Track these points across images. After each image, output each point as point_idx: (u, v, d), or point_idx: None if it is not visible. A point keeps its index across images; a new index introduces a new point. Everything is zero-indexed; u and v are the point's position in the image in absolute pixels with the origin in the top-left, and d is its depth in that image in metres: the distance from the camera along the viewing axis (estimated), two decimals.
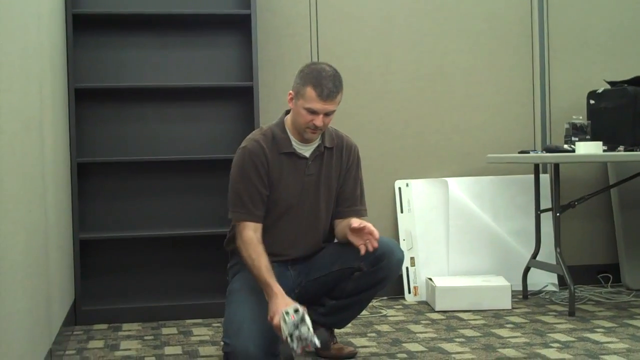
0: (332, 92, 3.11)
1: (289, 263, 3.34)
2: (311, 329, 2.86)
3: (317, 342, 2.85)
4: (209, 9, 4.48)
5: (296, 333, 2.84)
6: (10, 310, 2.28)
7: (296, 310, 2.87)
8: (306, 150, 3.29)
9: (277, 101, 4.52)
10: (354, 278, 3.26)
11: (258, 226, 3.21)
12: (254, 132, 3.40)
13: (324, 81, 3.10)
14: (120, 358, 3.46)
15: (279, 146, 3.25)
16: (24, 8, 2.75)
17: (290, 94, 3.22)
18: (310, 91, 3.10)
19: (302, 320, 2.85)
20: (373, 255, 3.19)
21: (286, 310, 2.87)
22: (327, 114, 3.15)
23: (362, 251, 3.09)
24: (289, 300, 3.00)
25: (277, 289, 3.03)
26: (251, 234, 3.18)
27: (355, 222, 3.11)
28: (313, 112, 3.12)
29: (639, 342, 3.52)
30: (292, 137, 3.27)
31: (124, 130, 4.49)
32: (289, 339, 2.85)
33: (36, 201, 2.90)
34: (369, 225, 3.08)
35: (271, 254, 3.22)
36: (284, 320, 2.86)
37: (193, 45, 4.54)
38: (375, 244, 3.08)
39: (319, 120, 3.13)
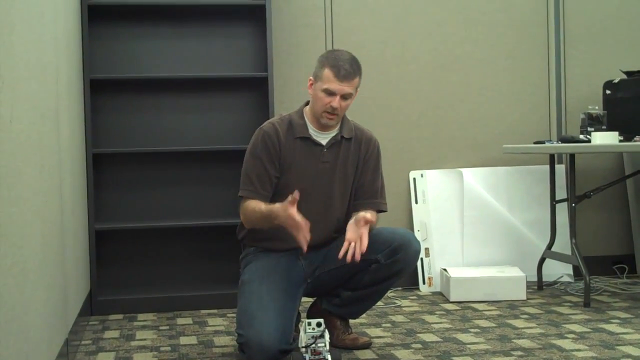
0: (349, 72, 3.16)
1: (299, 252, 3.34)
2: (327, 346, 2.91)
3: (329, 359, 2.88)
4: None
5: (312, 346, 2.88)
6: (28, 300, 2.30)
7: (319, 324, 2.92)
8: (323, 138, 3.31)
9: (292, 92, 4.52)
10: (371, 270, 3.27)
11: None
12: (274, 117, 3.47)
13: (340, 62, 3.17)
14: (135, 348, 3.47)
15: (294, 131, 3.29)
16: None
17: (310, 80, 3.28)
18: (327, 72, 3.17)
19: (322, 335, 2.91)
20: (390, 247, 3.22)
21: (309, 321, 2.91)
22: (344, 97, 3.18)
23: (340, 255, 3.05)
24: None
25: (275, 205, 3.08)
26: (251, 201, 3.23)
27: (361, 220, 3.07)
28: (330, 92, 3.17)
29: None
30: (309, 125, 3.31)
31: (139, 121, 4.50)
32: (303, 349, 2.90)
33: (53, 191, 2.91)
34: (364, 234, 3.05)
35: (281, 239, 3.26)
36: (304, 331, 2.90)
37: (208, 36, 4.54)
38: (357, 257, 3.04)
39: (335, 102, 3.17)
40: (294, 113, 3.36)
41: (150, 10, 4.46)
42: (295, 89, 4.54)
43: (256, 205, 3.19)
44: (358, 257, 3.01)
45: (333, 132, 3.32)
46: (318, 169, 3.30)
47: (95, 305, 4.21)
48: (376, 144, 3.42)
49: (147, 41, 4.50)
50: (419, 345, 3.38)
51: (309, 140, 3.30)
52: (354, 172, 3.36)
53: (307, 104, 3.36)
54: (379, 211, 3.40)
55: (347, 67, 3.16)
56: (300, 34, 4.68)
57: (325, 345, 2.92)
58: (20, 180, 2.23)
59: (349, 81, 3.17)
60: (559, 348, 3.28)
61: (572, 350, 3.23)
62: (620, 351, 3.21)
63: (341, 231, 3.39)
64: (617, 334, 3.51)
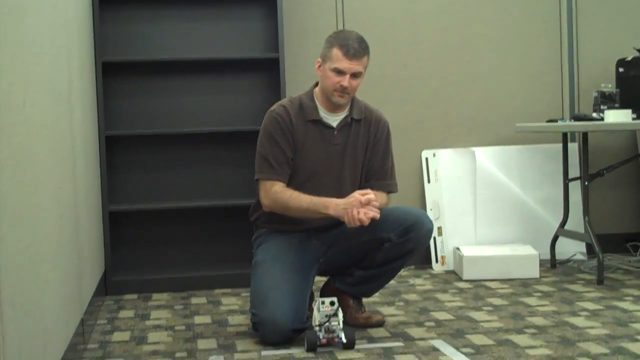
0: (357, 51, 3.18)
1: (311, 233, 3.36)
2: (341, 324, 2.93)
3: (343, 338, 2.92)
4: None
5: (326, 324, 2.89)
6: (44, 281, 2.32)
7: (332, 303, 2.94)
8: (333, 120, 3.31)
9: (303, 73, 4.51)
10: (383, 249, 3.27)
11: (284, 186, 3.25)
12: (283, 99, 3.48)
13: (349, 41, 3.19)
14: (150, 327, 3.50)
15: (305, 114, 3.30)
16: None
17: (318, 61, 3.30)
18: (336, 51, 3.19)
19: (335, 314, 2.93)
20: (402, 226, 3.23)
21: (322, 300, 2.93)
22: (354, 76, 3.20)
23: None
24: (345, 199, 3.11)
25: (332, 199, 3.14)
26: (280, 187, 3.24)
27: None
28: (340, 71, 3.18)
29: None
30: (320, 107, 3.31)
31: (151, 102, 4.51)
32: (317, 328, 2.91)
33: (67, 173, 2.93)
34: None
35: (292, 222, 3.28)
36: (318, 309, 2.91)
37: (219, 18, 4.54)
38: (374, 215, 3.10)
39: (345, 81, 3.18)
40: (303, 95, 3.37)
41: None
42: (306, 70, 4.52)
43: (299, 196, 3.19)
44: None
45: (343, 114, 3.32)
46: (329, 151, 3.31)
47: (110, 286, 4.24)
48: (386, 125, 3.43)
49: (159, 23, 4.50)
50: (432, 324, 3.40)
51: (319, 122, 3.30)
52: (364, 153, 3.36)
53: (316, 85, 3.36)
54: (389, 192, 3.41)
55: (355, 46, 3.18)
56: (311, 14, 4.67)
57: (338, 324, 2.94)
58: (34, 164, 2.25)
59: (358, 59, 3.18)
60: (572, 325, 3.29)
61: (586, 328, 3.24)
62: (634, 328, 3.21)
63: None
64: (631, 311, 3.51)
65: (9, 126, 1.92)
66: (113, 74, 4.40)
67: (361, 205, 3.07)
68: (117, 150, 4.45)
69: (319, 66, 3.28)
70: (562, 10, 4.91)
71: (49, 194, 2.50)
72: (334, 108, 3.31)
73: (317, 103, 3.32)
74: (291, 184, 3.28)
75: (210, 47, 4.53)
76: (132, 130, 4.44)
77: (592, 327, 3.24)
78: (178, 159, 4.54)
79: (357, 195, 3.10)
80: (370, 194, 3.10)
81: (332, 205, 3.13)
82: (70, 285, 2.88)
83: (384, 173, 3.40)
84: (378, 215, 3.08)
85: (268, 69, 4.51)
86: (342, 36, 3.24)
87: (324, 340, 2.91)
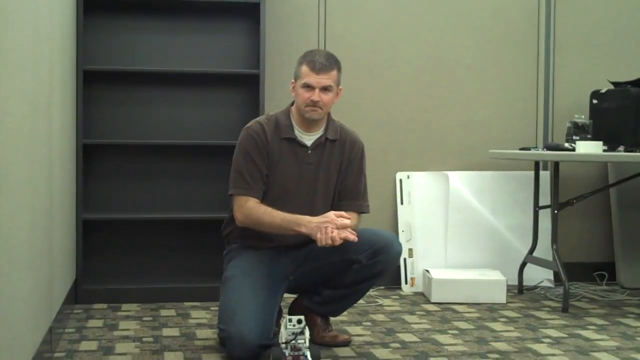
0: (324, 65, 3.27)
1: (282, 250, 3.40)
2: (307, 343, 2.96)
3: (309, 356, 2.94)
4: None
5: (292, 342, 2.93)
6: (14, 289, 2.34)
7: (299, 321, 2.96)
8: (308, 140, 3.36)
9: (282, 89, 4.55)
10: (352, 270, 3.31)
11: (258, 201, 3.30)
12: (260, 116, 3.53)
13: (316, 57, 3.30)
14: (118, 338, 3.52)
15: (280, 131, 3.35)
16: None
17: (292, 82, 3.37)
18: (304, 67, 3.29)
19: (302, 332, 2.95)
20: (372, 249, 3.28)
21: (290, 318, 2.96)
22: (324, 90, 3.27)
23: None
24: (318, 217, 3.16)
25: (305, 217, 3.19)
26: (253, 203, 3.28)
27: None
28: (309, 86, 3.26)
29: (630, 340, 3.57)
30: (295, 125, 3.36)
31: (131, 113, 4.53)
32: (283, 345, 2.94)
33: (42, 181, 2.95)
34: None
35: (264, 238, 3.32)
36: (285, 327, 2.94)
37: (202, 31, 4.58)
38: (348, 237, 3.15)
39: (315, 95, 3.25)
40: (280, 113, 3.42)
41: (145, 3, 4.49)
42: (285, 87, 4.51)
43: (273, 212, 3.24)
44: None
45: (318, 134, 3.38)
46: (302, 169, 3.36)
47: (80, 294, 4.25)
48: (361, 146, 3.48)
49: (142, 34, 4.53)
50: (398, 345, 3.44)
51: (294, 141, 3.35)
52: (337, 173, 3.41)
53: (293, 104, 3.42)
54: (361, 212, 3.46)
55: (322, 61, 3.27)
56: (293, 33, 4.72)
57: (305, 342, 2.97)
58: (9, 172, 2.27)
59: (325, 73, 3.26)
60: (534, 352, 3.34)
61: (547, 355, 3.29)
62: (595, 357, 3.27)
63: None
64: (593, 340, 3.57)
65: None
66: (94, 83, 4.41)
67: (336, 226, 3.11)
68: (94, 158, 4.46)
69: (293, 87, 3.36)
70: (539, 40, 4.99)
71: (24, 203, 2.52)
72: (309, 127, 3.35)
73: (293, 121, 3.37)
74: (263, 200, 3.32)
75: (191, 60, 4.56)
76: (110, 140, 4.46)
77: (553, 355, 3.30)
78: (154, 170, 4.56)
79: (333, 215, 3.15)
80: (346, 220, 3.14)
81: (305, 222, 3.18)
82: (40, 293, 2.90)
83: (356, 194, 3.45)
84: (353, 238, 3.12)
85: (248, 85, 4.55)
86: (310, 53, 3.35)
87: (289, 358, 2.94)
